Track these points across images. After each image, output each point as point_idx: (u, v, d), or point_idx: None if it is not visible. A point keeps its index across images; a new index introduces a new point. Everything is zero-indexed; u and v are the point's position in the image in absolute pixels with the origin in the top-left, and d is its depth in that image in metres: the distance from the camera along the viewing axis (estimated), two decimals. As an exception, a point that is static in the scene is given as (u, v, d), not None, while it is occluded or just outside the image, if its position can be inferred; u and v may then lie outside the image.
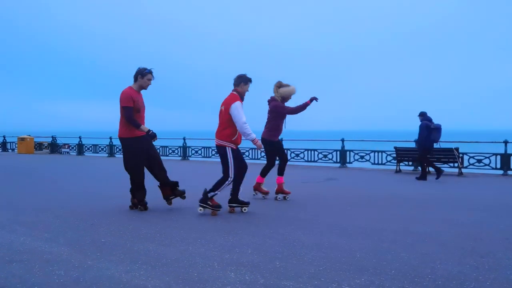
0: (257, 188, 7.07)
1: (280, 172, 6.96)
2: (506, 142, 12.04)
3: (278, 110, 6.74)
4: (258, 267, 3.42)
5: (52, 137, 23.10)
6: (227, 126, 5.56)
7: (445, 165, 12.18)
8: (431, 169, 11.19)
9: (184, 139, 18.37)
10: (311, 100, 6.69)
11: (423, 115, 10.38)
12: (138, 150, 5.76)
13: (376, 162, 13.97)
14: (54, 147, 22.74)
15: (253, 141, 5.59)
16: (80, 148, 21.73)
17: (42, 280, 3.11)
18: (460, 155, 11.82)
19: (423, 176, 10.18)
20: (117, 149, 20.45)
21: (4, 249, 3.92)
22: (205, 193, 5.62)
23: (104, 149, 21.09)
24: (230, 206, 5.82)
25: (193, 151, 18.27)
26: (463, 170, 11.91)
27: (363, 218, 5.39)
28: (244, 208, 5.80)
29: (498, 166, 12.06)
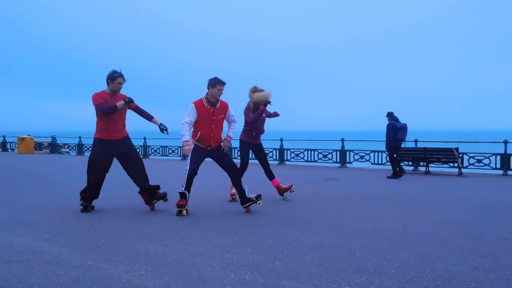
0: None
1: (270, 175, 6.91)
2: (506, 142, 12.04)
3: (244, 116, 6.76)
4: (258, 267, 3.42)
5: (52, 137, 23.10)
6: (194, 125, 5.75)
7: (445, 165, 12.20)
8: (431, 169, 11.22)
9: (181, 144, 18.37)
10: (275, 114, 6.91)
11: (390, 115, 10.75)
12: (97, 152, 5.74)
13: (376, 162, 13.98)
14: (54, 147, 22.74)
15: (182, 144, 5.61)
16: (80, 148, 21.73)
17: (42, 280, 3.11)
18: (460, 155, 11.82)
19: (394, 175, 10.62)
20: (117, 149, 20.42)
21: (4, 249, 3.92)
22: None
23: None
24: (245, 207, 5.82)
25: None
26: (463, 170, 11.91)
27: (363, 218, 5.40)
28: (259, 202, 5.86)
29: (498, 166, 12.06)
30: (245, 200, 5.81)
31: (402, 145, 11.13)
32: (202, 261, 3.58)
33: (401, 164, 12.55)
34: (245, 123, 6.75)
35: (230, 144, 5.89)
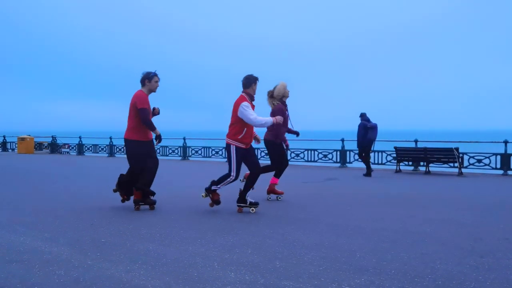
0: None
1: (278, 174, 6.93)
2: (506, 142, 12.04)
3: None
4: (258, 267, 3.42)
5: (52, 137, 23.11)
6: (234, 125, 5.69)
7: (445, 165, 12.20)
8: (431, 169, 11.25)
9: (184, 139, 18.38)
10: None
11: (362, 116, 11.18)
12: (140, 155, 5.84)
13: (376, 162, 13.98)
14: (54, 147, 22.75)
15: (274, 122, 5.73)
16: (80, 148, 21.74)
17: (42, 280, 3.11)
18: (460, 155, 11.82)
19: (368, 173, 11.06)
20: (117, 149, 20.46)
21: (4, 249, 3.92)
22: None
23: (104, 149, 21.10)
24: (238, 206, 5.83)
25: (193, 151, 18.28)
26: (463, 170, 11.91)
27: (363, 218, 5.40)
28: (252, 208, 5.79)
29: (498, 166, 12.07)
30: (242, 200, 5.81)
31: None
32: (202, 261, 3.58)
33: (401, 164, 12.58)
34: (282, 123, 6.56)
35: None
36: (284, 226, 4.91)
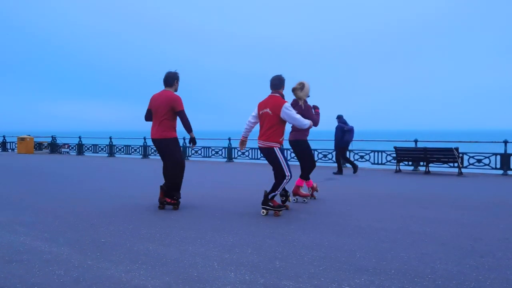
0: (296, 192, 6.77)
1: (305, 175, 6.80)
2: (506, 142, 12.05)
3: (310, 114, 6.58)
4: (258, 267, 3.43)
5: (52, 137, 23.10)
6: (276, 128, 5.55)
7: (445, 165, 12.20)
8: (431, 169, 11.28)
9: (184, 139, 18.39)
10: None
11: (339, 118, 11.73)
12: (179, 148, 6.05)
13: (376, 162, 13.99)
14: (54, 147, 22.74)
15: (312, 124, 5.84)
16: (80, 148, 21.73)
17: (42, 280, 3.11)
18: (460, 155, 11.82)
19: (339, 171, 11.75)
20: (117, 149, 20.45)
21: (4, 249, 3.92)
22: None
23: (104, 149, 21.09)
24: (263, 208, 5.63)
25: (193, 151, 18.30)
26: (463, 170, 11.92)
27: (363, 217, 5.40)
28: (276, 212, 5.56)
29: (498, 166, 12.07)
30: (266, 202, 5.62)
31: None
32: (202, 261, 3.58)
33: (401, 164, 12.59)
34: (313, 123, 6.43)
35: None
36: (284, 226, 4.91)
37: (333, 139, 11.87)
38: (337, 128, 11.62)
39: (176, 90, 6.07)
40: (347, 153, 13.09)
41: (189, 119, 5.90)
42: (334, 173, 11.70)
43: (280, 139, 5.62)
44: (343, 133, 11.57)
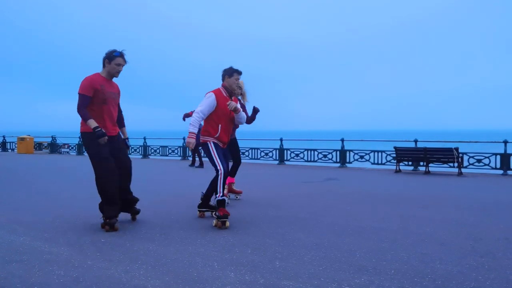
0: (229, 189, 6.81)
1: (233, 173, 6.78)
2: (505, 142, 12.05)
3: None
4: (258, 267, 3.42)
5: (52, 137, 23.10)
6: (206, 122, 5.16)
7: (445, 165, 12.20)
8: (430, 169, 11.29)
9: (184, 139, 18.39)
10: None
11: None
12: (97, 146, 4.61)
13: (375, 162, 13.98)
14: (54, 147, 22.74)
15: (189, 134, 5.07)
16: (80, 148, 21.72)
17: (42, 280, 3.11)
18: (460, 155, 11.82)
19: (193, 163, 14.05)
20: (117, 149, 20.46)
21: (4, 249, 3.92)
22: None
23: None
24: (199, 211, 5.43)
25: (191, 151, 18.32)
26: (463, 170, 11.91)
27: (363, 217, 5.39)
28: (215, 213, 5.03)
29: (498, 166, 12.07)
30: (204, 205, 5.38)
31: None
32: (202, 261, 3.58)
33: (400, 164, 12.60)
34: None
35: None
36: (284, 226, 4.91)
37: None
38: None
39: (110, 74, 4.77)
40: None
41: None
42: (190, 165, 14.05)
43: (216, 133, 5.10)
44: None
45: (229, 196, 6.84)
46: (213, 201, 5.31)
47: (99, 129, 4.55)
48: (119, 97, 4.98)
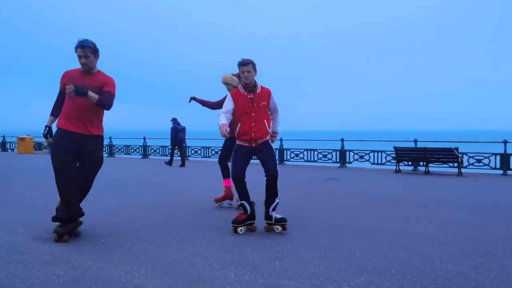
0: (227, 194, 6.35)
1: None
2: (505, 142, 12.05)
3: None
4: (258, 267, 3.42)
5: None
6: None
7: (445, 165, 12.21)
8: (430, 169, 11.30)
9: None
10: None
11: (174, 120, 14.56)
12: (55, 145, 4.23)
13: (375, 162, 13.99)
14: (54, 147, 22.73)
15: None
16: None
17: (42, 280, 3.11)
18: (460, 155, 11.82)
19: (170, 162, 14.55)
20: (117, 149, 20.46)
21: (4, 249, 3.92)
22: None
23: (104, 149, 21.09)
24: (267, 224, 4.79)
25: (193, 151, 18.30)
26: (463, 170, 11.91)
27: (362, 217, 5.40)
28: (277, 227, 4.68)
29: (498, 166, 12.07)
30: (268, 217, 4.76)
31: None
32: (202, 261, 3.58)
33: (400, 164, 12.60)
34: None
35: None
36: (284, 226, 4.90)
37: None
38: (172, 128, 14.40)
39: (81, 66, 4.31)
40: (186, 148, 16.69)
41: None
42: (166, 163, 14.66)
43: (235, 132, 4.83)
44: (177, 132, 14.35)
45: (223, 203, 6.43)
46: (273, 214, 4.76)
47: (46, 128, 4.37)
48: (100, 90, 4.26)
